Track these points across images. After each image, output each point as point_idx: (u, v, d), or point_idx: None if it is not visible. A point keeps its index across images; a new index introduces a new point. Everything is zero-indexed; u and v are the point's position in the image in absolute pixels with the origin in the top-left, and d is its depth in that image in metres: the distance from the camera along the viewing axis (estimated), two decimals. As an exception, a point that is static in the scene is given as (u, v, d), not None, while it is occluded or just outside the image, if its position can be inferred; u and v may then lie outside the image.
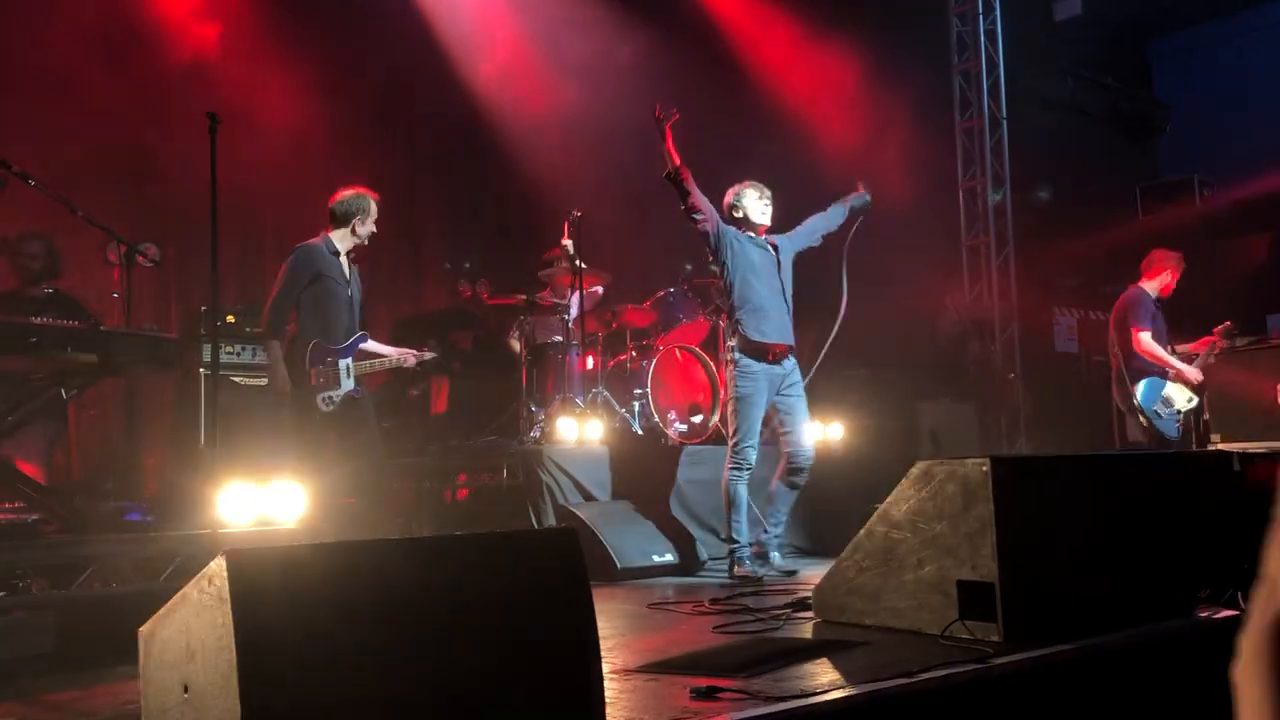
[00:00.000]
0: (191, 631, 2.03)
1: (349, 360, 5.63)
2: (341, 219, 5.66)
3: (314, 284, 5.54)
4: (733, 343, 5.72)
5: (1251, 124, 10.00)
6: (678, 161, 5.65)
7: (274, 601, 2.00)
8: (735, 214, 5.87)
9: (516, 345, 7.65)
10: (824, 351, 6.04)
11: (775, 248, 5.86)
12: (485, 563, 2.34)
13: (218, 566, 1.98)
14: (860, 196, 6.06)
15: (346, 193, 5.69)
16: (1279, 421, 7.54)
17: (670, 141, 5.63)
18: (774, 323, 5.70)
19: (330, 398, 5.51)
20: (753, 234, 5.83)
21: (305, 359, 5.49)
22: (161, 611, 2.14)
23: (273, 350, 5.57)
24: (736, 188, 5.92)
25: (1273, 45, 10.05)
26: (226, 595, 1.94)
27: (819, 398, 8.41)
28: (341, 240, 5.68)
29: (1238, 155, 9.95)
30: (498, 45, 9.20)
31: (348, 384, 5.59)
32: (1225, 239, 10.09)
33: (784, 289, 5.80)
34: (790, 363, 5.77)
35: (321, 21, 8.46)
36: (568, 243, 7.24)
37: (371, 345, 5.82)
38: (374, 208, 5.70)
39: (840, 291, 5.99)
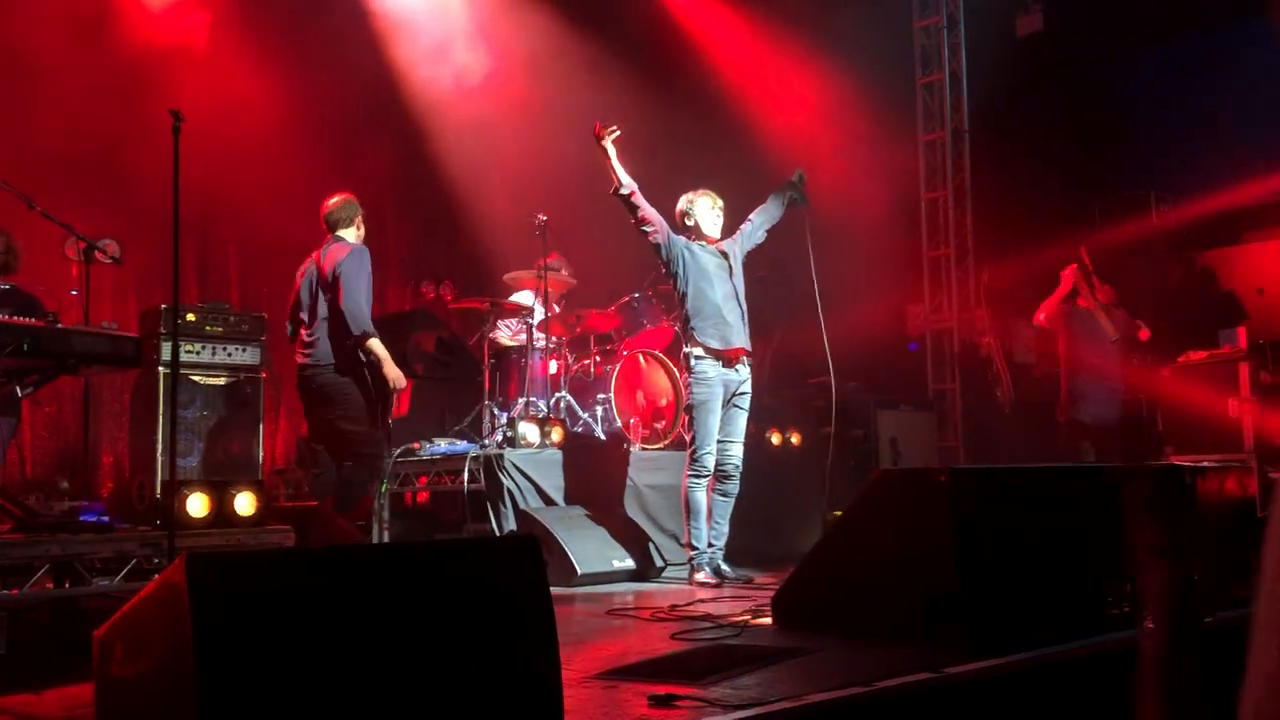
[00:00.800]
0: (149, 635, 2.02)
1: None
2: (346, 222, 5.86)
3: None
4: (689, 349, 5.74)
5: (1206, 141, 10.17)
6: (623, 179, 5.68)
7: (234, 606, 1.99)
8: (687, 222, 5.89)
9: (505, 340, 7.65)
10: (830, 361, 6.01)
11: (726, 254, 5.89)
12: (447, 569, 2.34)
13: (177, 569, 1.97)
14: (790, 184, 6.05)
15: (338, 199, 5.90)
16: (1231, 435, 7.67)
17: (614, 159, 5.66)
18: (730, 328, 5.73)
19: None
20: (704, 241, 5.86)
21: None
22: (118, 615, 2.12)
23: (378, 348, 5.67)
24: (690, 196, 5.94)
25: (1228, 65, 10.22)
26: (186, 599, 1.93)
27: (782, 405, 8.50)
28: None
29: (1193, 171, 10.11)
30: (459, 50, 9.19)
31: None
32: (1179, 253, 10.24)
33: (737, 293, 5.83)
34: (745, 369, 5.80)
35: (288, 25, 8.41)
36: (557, 263, 7.34)
37: None
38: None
39: (815, 299, 5.98)
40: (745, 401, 5.81)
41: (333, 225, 5.88)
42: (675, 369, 7.23)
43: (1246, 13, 10.18)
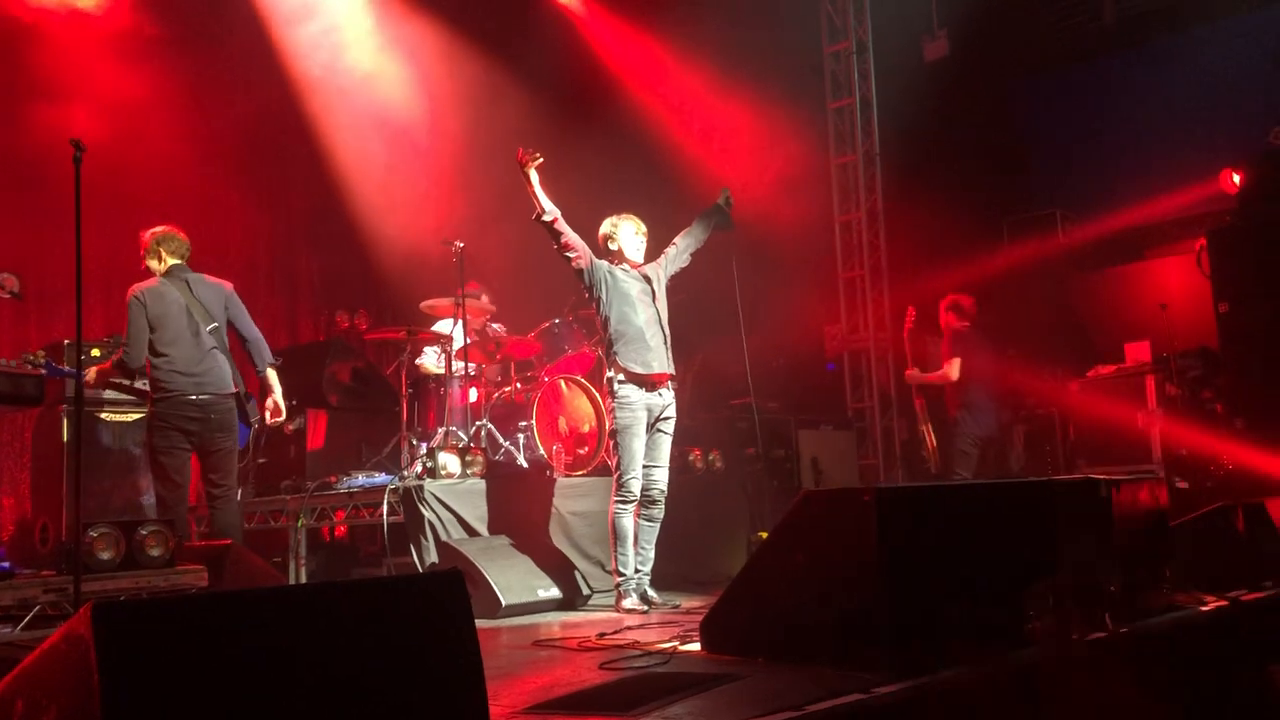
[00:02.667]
0: (53, 689, 1.92)
1: None
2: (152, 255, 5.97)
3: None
4: (611, 374, 5.72)
5: (1109, 161, 10.49)
6: (546, 206, 5.67)
7: (144, 657, 1.90)
8: (610, 245, 5.88)
9: (432, 367, 7.56)
10: (750, 383, 6.02)
11: (649, 278, 5.89)
12: (368, 610, 2.27)
13: (82, 619, 1.88)
14: (716, 208, 6.05)
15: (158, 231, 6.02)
16: (1140, 447, 7.88)
17: (536, 185, 5.64)
18: (653, 352, 5.71)
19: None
20: (626, 265, 5.86)
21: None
22: (19, 668, 2.02)
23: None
24: (613, 220, 5.92)
25: (1129, 87, 10.56)
26: (92, 651, 1.84)
27: (703, 426, 8.52)
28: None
29: (1097, 190, 10.42)
30: (372, 78, 9.09)
31: None
32: (1086, 270, 10.53)
33: (660, 318, 5.82)
34: (669, 393, 5.80)
35: (195, 52, 8.24)
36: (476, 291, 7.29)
37: None
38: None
39: (738, 320, 6.00)
40: (669, 426, 5.80)
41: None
42: (598, 394, 7.19)
43: (1147, 38, 10.58)
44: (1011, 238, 10.82)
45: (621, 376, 5.66)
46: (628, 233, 5.87)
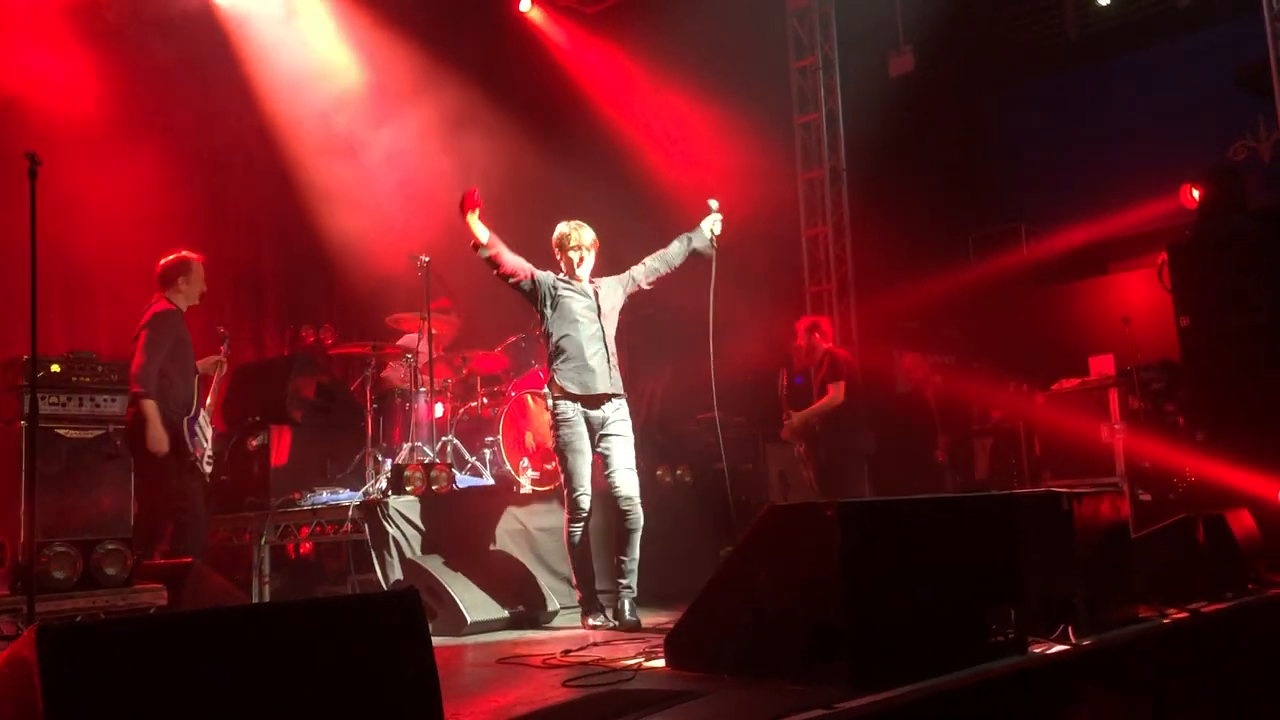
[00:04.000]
0: (-4, 715, 1.88)
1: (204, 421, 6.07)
2: (167, 281, 6.05)
3: (177, 348, 5.94)
4: (548, 391, 5.68)
5: (1074, 174, 10.60)
6: (483, 237, 5.64)
7: (94, 681, 1.86)
8: (559, 253, 5.83)
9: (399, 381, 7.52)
10: (715, 398, 5.89)
11: (596, 293, 5.80)
12: (323, 629, 2.24)
13: (26, 642, 1.84)
14: (700, 234, 5.87)
15: (170, 258, 6.13)
16: (1104, 460, 7.93)
17: (472, 223, 5.61)
18: (593, 373, 5.61)
19: (209, 459, 6.09)
20: (573, 280, 5.78)
21: (183, 427, 5.87)
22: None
23: (149, 410, 5.72)
24: (564, 229, 5.82)
25: (1095, 102, 10.68)
26: (36, 675, 1.80)
27: (671, 441, 8.50)
28: (183, 302, 6.10)
29: (1061, 204, 10.52)
30: (344, 95, 9.05)
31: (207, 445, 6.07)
32: (1050, 284, 10.62)
33: (605, 336, 5.70)
34: (611, 405, 5.68)
35: (158, 67, 8.15)
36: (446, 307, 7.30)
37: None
38: (197, 269, 6.15)
39: (707, 336, 5.87)
40: (621, 428, 5.68)
41: (160, 283, 6.10)
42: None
43: (1110, 53, 10.70)
44: (977, 252, 10.90)
45: (559, 394, 5.62)
46: (576, 243, 5.79)
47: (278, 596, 6.84)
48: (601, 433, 5.65)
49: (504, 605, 5.79)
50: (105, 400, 6.00)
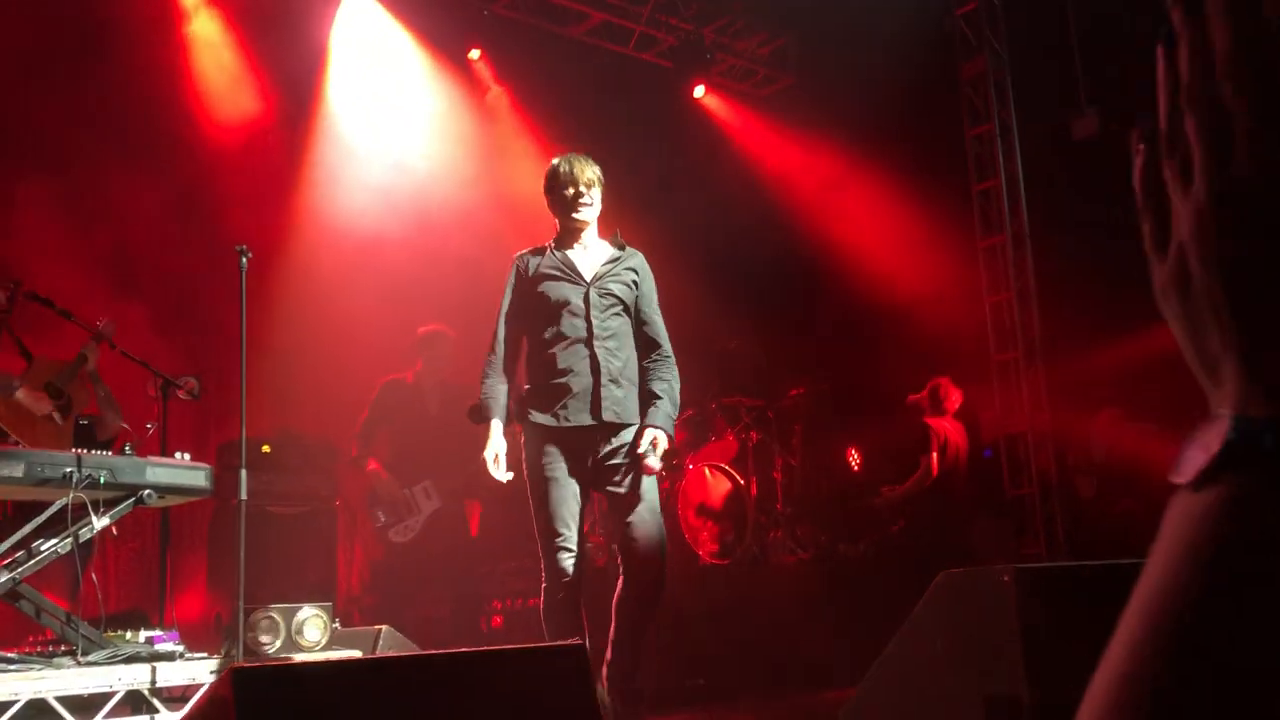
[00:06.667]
0: (198, 748, 2.05)
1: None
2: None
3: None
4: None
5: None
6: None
7: (281, 716, 2.02)
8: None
9: None
10: None
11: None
12: (495, 677, 2.35)
13: (224, 682, 2.01)
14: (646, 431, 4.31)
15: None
16: None
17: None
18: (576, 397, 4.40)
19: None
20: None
21: None
22: (172, 730, 2.17)
23: None
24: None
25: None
26: (232, 710, 1.97)
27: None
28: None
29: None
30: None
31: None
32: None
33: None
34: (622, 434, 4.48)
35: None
36: None
37: None
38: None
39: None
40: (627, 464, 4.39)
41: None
42: (740, 480, 7.16)
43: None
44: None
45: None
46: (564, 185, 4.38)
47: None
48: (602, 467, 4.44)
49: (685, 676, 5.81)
50: (310, 478, 6.49)
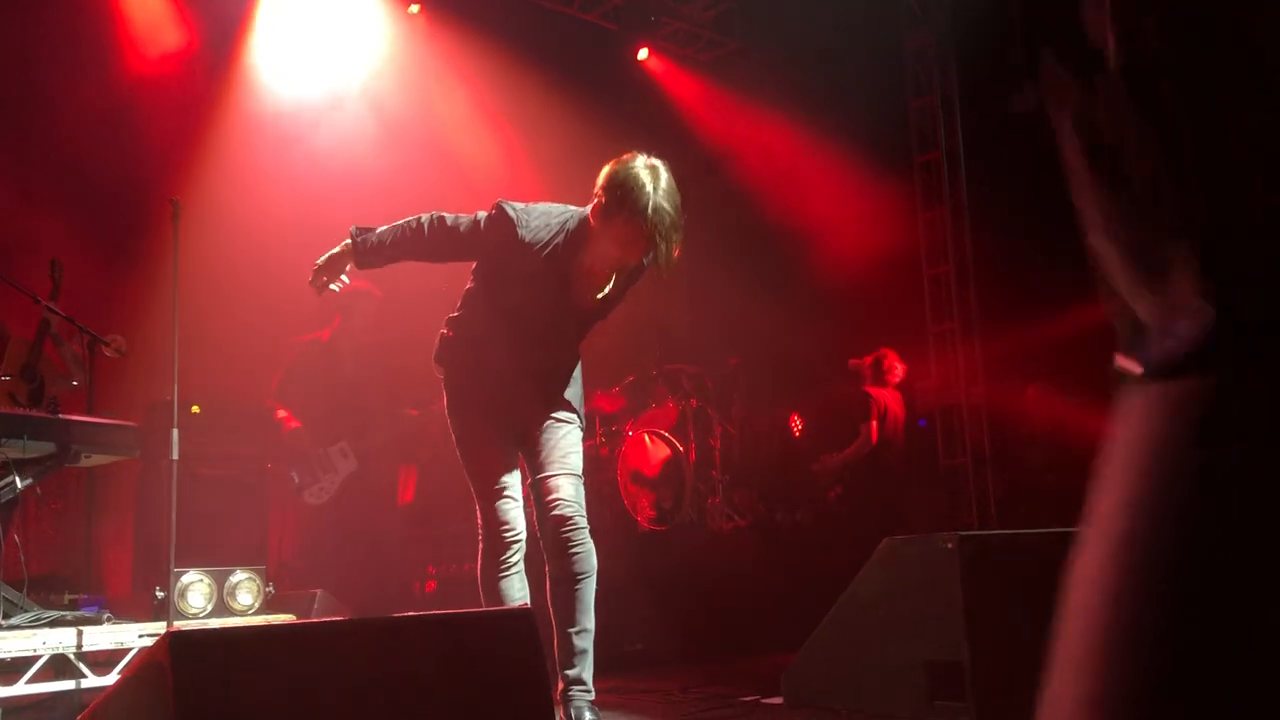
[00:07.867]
0: (132, 712, 1.97)
1: None
2: None
3: None
4: None
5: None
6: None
7: (220, 684, 1.94)
8: None
9: None
10: None
11: None
12: (439, 643, 2.29)
13: (160, 647, 1.93)
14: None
15: None
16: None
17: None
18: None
19: None
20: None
21: None
22: (98, 701, 2.08)
23: None
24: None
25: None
26: (170, 679, 1.88)
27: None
28: None
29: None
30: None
31: None
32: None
33: None
34: None
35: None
36: None
37: None
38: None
39: None
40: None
41: None
42: (679, 447, 7.15)
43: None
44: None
45: None
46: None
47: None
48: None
49: (624, 641, 5.80)
50: (242, 440, 6.32)
